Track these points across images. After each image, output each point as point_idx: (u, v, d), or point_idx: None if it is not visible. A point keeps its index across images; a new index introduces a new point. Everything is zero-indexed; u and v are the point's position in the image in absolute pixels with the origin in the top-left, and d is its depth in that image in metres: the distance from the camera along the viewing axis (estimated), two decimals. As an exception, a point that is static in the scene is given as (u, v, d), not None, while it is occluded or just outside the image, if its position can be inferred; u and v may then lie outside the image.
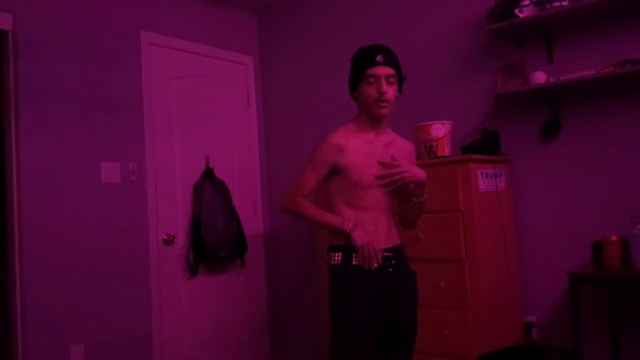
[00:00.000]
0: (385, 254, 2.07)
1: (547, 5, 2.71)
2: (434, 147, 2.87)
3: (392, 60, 2.06)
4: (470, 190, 2.66)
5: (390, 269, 2.09)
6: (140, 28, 3.56)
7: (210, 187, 3.74)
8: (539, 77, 2.79)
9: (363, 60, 2.05)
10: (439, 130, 2.91)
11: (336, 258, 2.10)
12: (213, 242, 3.63)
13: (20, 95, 2.99)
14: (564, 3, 2.67)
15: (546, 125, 2.92)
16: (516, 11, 2.78)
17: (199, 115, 3.86)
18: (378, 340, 2.07)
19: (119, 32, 3.44)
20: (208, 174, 3.80)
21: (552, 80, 2.78)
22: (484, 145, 2.86)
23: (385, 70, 2.02)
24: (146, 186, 3.49)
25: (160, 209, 3.56)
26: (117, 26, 3.44)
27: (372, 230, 2.08)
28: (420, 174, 2.08)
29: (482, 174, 2.75)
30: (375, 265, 2.02)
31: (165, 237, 3.56)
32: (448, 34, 3.30)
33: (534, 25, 2.83)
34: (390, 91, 2.05)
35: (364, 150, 2.09)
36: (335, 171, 2.09)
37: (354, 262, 2.05)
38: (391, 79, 2.05)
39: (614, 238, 2.49)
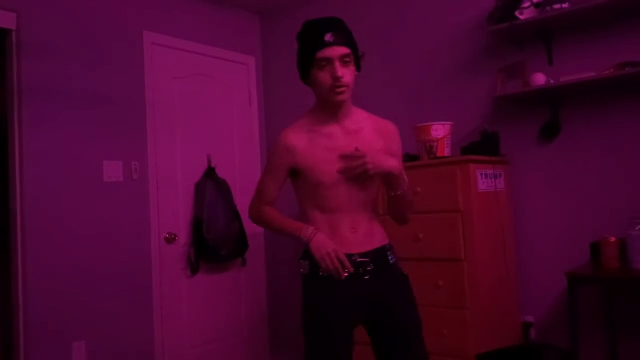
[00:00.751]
0: (360, 259, 1.83)
1: (547, 7, 2.72)
2: (433, 148, 2.88)
3: (344, 37, 1.77)
4: (470, 191, 2.68)
5: (367, 276, 1.84)
6: (143, 28, 3.58)
7: (211, 186, 3.76)
8: (539, 79, 2.80)
9: (311, 42, 1.76)
10: (439, 130, 2.93)
11: (304, 267, 1.87)
12: (214, 240, 3.65)
13: (23, 94, 3.01)
14: (564, 5, 2.68)
15: (545, 126, 2.94)
16: (516, 13, 2.80)
17: (201, 115, 3.88)
18: (384, 348, 1.90)
19: (122, 32, 3.47)
20: (210, 172, 3.82)
21: (551, 81, 2.79)
22: (483, 146, 2.88)
23: (337, 51, 1.74)
24: (148, 185, 3.51)
25: (162, 208, 3.59)
26: (120, 26, 3.46)
27: (347, 234, 1.84)
28: (388, 164, 1.78)
29: (481, 174, 2.77)
30: (345, 274, 1.77)
31: (167, 235, 3.59)
32: (448, 35, 3.31)
33: (534, 27, 2.85)
34: (347, 73, 1.77)
35: (324, 145, 1.83)
36: (295, 173, 1.88)
37: (320, 273, 1.81)
38: (346, 59, 1.77)
39: (612, 239, 2.50)
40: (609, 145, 2.78)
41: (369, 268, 1.85)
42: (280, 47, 4.26)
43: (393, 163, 1.80)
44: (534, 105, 2.97)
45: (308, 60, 1.78)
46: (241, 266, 3.97)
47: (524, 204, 3.02)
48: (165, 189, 3.61)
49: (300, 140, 1.85)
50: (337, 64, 1.75)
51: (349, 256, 1.82)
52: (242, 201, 4.01)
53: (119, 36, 3.45)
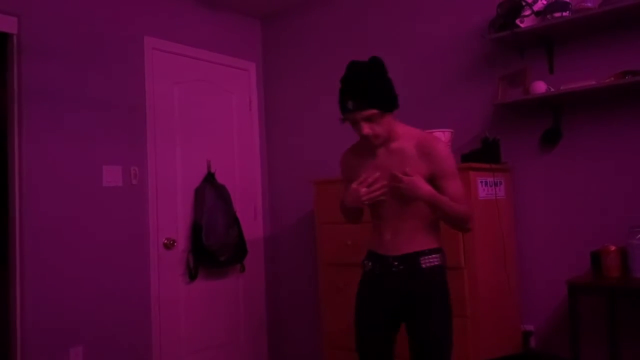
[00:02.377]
0: (394, 261, 2.11)
1: (549, 16, 2.73)
2: (434, 155, 2.87)
3: (365, 102, 1.97)
4: (470, 198, 2.67)
5: (396, 273, 2.10)
6: (144, 33, 3.58)
7: (211, 192, 3.75)
8: (540, 87, 2.80)
9: (340, 102, 2.04)
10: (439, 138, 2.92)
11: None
12: (213, 246, 3.64)
13: (24, 98, 3.01)
14: (565, 14, 2.69)
15: (546, 134, 2.93)
16: (517, 21, 2.80)
17: (201, 120, 3.87)
18: (409, 347, 2.11)
19: (123, 37, 3.47)
20: (209, 178, 3.81)
21: (552, 90, 2.79)
22: (484, 153, 2.87)
23: (359, 115, 1.98)
24: (147, 190, 3.50)
25: (161, 213, 3.57)
26: (121, 31, 3.46)
27: (388, 239, 2.13)
28: (420, 192, 1.98)
29: (481, 182, 2.76)
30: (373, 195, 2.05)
31: (166, 241, 3.57)
32: (449, 43, 3.32)
33: (535, 35, 2.85)
34: (376, 128, 2.01)
35: (370, 163, 2.12)
36: None
37: (364, 269, 2.25)
38: (372, 119, 1.99)
39: (613, 248, 2.50)
40: (609, 154, 2.77)
41: (400, 267, 2.10)
42: (281, 53, 4.26)
43: (423, 191, 1.99)
44: (535, 113, 2.97)
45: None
46: (240, 272, 3.95)
47: (525, 211, 3.02)
48: (165, 195, 3.60)
49: (352, 158, 2.22)
50: (362, 124, 2.00)
51: (386, 258, 2.13)
52: (242, 207, 4.01)
53: (120, 41, 3.45)
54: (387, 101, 2.02)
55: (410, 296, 2.09)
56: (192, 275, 3.67)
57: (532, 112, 2.98)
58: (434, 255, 2.13)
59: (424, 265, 2.10)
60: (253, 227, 4.12)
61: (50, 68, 3.11)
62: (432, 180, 2.04)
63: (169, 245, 3.58)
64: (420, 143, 2.07)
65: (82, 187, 3.19)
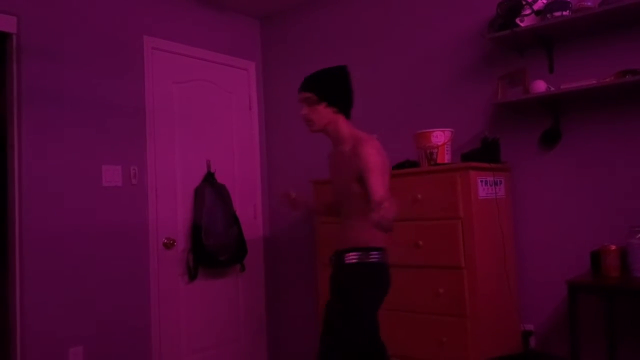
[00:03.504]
0: (333, 256, 2.35)
1: (548, 15, 2.72)
2: (434, 155, 2.88)
3: (306, 84, 2.32)
4: (470, 198, 2.67)
5: (333, 268, 2.35)
6: (144, 33, 3.58)
7: (210, 192, 3.74)
8: (539, 86, 2.80)
9: None
10: (439, 137, 2.92)
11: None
12: (213, 246, 3.64)
13: (23, 98, 3.00)
14: (565, 13, 2.68)
15: (546, 134, 2.93)
16: (517, 20, 2.80)
17: (201, 120, 3.87)
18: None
19: (123, 37, 3.47)
20: (209, 178, 3.81)
21: (552, 89, 2.79)
22: (483, 153, 2.87)
23: (300, 95, 2.35)
24: (147, 190, 3.50)
25: (161, 213, 3.57)
26: (120, 30, 3.46)
27: (340, 234, 2.35)
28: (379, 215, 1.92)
29: (481, 181, 2.76)
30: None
31: (165, 240, 3.57)
32: (449, 43, 3.31)
33: (535, 35, 2.84)
34: (311, 112, 2.32)
35: (331, 162, 2.44)
36: None
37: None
38: (309, 101, 2.31)
39: (613, 247, 2.49)
40: (609, 153, 2.77)
41: (333, 263, 2.34)
42: (280, 52, 4.26)
43: (382, 216, 1.96)
44: (534, 112, 2.97)
45: None
46: (240, 272, 3.95)
47: (525, 211, 3.02)
48: (164, 194, 3.60)
49: (330, 157, 2.46)
50: (302, 105, 2.34)
51: (335, 252, 2.34)
52: (242, 206, 4.01)
53: (120, 41, 3.45)
54: (324, 91, 2.30)
55: (334, 286, 2.31)
56: (191, 275, 3.67)
57: (531, 112, 2.98)
58: (357, 254, 2.26)
59: (346, 262, 2.27)
60: (253, 227, 4.12)
61: (49, 68, 3.11)
62: (360, 178, 2.18)
63: (169, 245, 3.58)
64: (353, 145, 2.26)
65: (81, 186, 3.19)
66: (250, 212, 4.12)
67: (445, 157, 2.92)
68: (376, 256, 2.26)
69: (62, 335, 3.03)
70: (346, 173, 2.27)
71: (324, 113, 2.32)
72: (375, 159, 2.18)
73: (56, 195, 3.08)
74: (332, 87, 2.33)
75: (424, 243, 2.78)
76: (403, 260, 2.87)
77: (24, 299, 2.92)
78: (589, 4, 2.65)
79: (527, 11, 2.80)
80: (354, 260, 2.26)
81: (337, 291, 2.29)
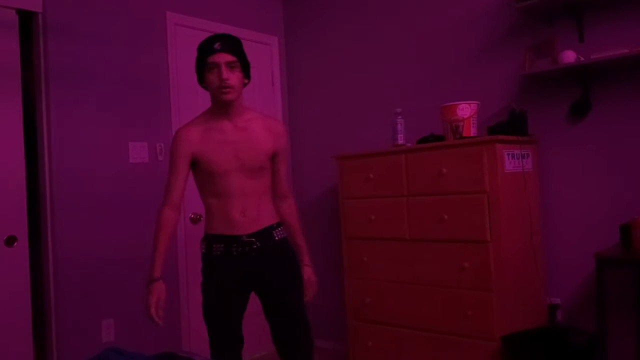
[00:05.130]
0: (248, 239, 2.18)
1: (579, -18, 2.64)
2: (459, 128, 2.84)
3: (231, 47, 2.09)
4: (496, 171, 2.64)
5: (253, 254, 2.20)
6: (167, 9, 3.58)
7: (235, 167, 3.77)
8: (569, 56, 2.73)
9: (203, 50, 2.10)
10: (465, 110, 2.88)
11: (203, 248, 2.29)
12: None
13: (50, 77, 3.05)
14: (596, -21, 2.59)
15: (575, 105, 2.86)
16: (546, -12, 2.72)
17: (225, 96, 3.87)
18: (273, 323, 2.31)
19: (146, 13, 3.47)
20: (233, 154, 3.83)
21: (582, 59, 2.72)
22: (510, 125, 2.82)
23: (224, 58, 2.06)
24: (173, 166, 3.54)
25: (187, 189, 3.61)
26: (143, 7, 3.46)
27: (238, 217, 2.17)
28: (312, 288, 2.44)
29: (508, 154, 2.72)
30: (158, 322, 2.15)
31: (192, 215, 3.62)
32: (475, 13, 3.24)
33: (564, 3, 2.76)
34: (233, 77, 2.08)
35: (217, 138, 2.15)
36: (193, 164, 2.19)
37: (214, 253, 2.23)
38: (232, 65, 2.08)
39: (643, 220, 2.45)
40: (641, 125, 2.70)
41: (254, 247, 2.20)
42: (303, 27, 4.22)
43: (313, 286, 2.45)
44: (563, 83, 2.90)
45: (202, 66, 2.11)
46: (265, 247, 3.99)
47: (552, 184, 2.97)
48: (190, 170, 3.64)
49: (196, 133, 2.15)
50: (224, 67, 2.07)
51: (239, 237, 2.18)
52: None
53: (143, 17, 3.46)
54: (246, 62, 2.17)
55: (265, 272, 2.24)
56: (218, 250, 3.72)
57: (560, 83, 2.91)
58: (281, 229, 2.31)
59: (277, 238, 2.27)
60: (277, 202, 4.14)
61: (74, 46, 3.14)
62: (273, 157, 2.26)
63: (196, 220, 3.63)
64: (267, 123, 2.26)
65: (109, 163, 3.24)
66: (275, 188, 4.14)
67: (471, 130, 2.88)
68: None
69: (94, 308, 3.13)
70: (259, 149, 2.19)
71: (241, 83, 2.16)
72: (288, 145, 2.40)
73: (85, 172, 3.14)
74: (248, 64, 2.21)
75: (449, 217, 2.77)
76: (428, 234, 2.87)
77: (56, 273, 3.01)
78: (622, -31, 2.56)
79: (557, -21, 2.71)
80: (283, 237, 2.32)
81: (281, 269, 2.27)
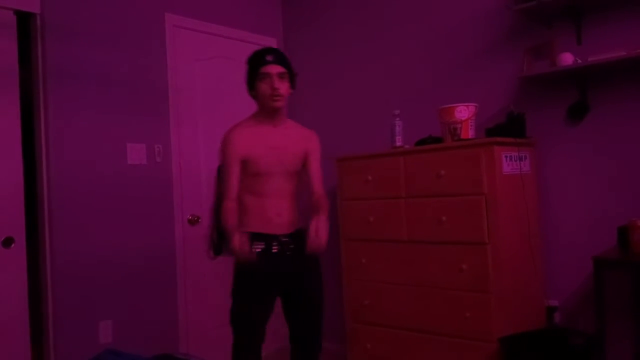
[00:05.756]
0: (284, 239, 2.32)
1: (577, -15, 2.64)
2: (457, 130, 2.85)
3: (282, 60, 2.30)
4: (494, 173, 2.64)
5: (289, 253, 2.32)
6: (165, 10, 3.58)
7: (233, 169, 3.76)
8: (567, 59, 2.74)
9: (256, 61, 2.30)
10: (463, 112, 2.88)
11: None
12: (236, 222, 3.67)
13: (48, 78, 3.04)
14: (594, -18, 2.60)
15: (573, 107, 2.87)
16: (544, -9, 2.72)
17: (223, 97, 3.88)
18: (294, 324, 2.44)
19: (145, 14, 3.47)
20: (232, 155, 3.82)
21: (579, 61, 2.72)
22: (509, 128, 2.82)
23: (276, 69, 2.26)
24: (171, 167, 3.54)
25: (185, 190, 3.62)
26: (142, 8, 3.46)
27: (274, 217, 2.31)
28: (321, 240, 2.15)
29: (506, 157, 2.73)
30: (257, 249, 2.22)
31: (190, 217, 3.62)
32: (474, 15, 3.25)
33: (563, 5, 2.77)
34: (283, 87, 2.28)
35: (263, 142, 2.31)
36: (242, 162, 2.31)
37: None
38: (282, 76, 2.28)
39: (641, 223, 2.45)
40: (638, 127, 2.71)
41: (291, 247, 2.32)
42: (301, 29, 4.22)
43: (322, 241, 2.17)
44: (561, 85, 2.91)
45: (254, 75, 2.30)
46: (263, 248, 3.99)
47: (550, 186, 2.98)
48: (188, 171, 3.64)
49: (246, 136, 2.32)
50: (275, 78, 2.27)
51: (277, 236, 2.30)
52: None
53: (142, 19, 3.45)
54: (293, 73, 2.36)
55: (299, 272, 2.36)
56: (216, 251, 3.71)
57: (558, 85, 2.92)
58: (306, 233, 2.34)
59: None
60: (276, 204, 4.14)
61: (73, 47, 3.13)
62: (305, 159, 2.42)
63: (194, 222, 3.63)
64: (302, 131, 2.47)
65: (107, 164, 3.24)
66: (273, 189, 4.14)
67: (469, 132, 2.89)
68: None
69: (91, 310, 3.12)
70: (298, 154, 2.37)
71: (289, 91, 2.36)
72: (320, 148, 2.52)
73: (83, 173, 3.13)
74: (293, 70, 2.38)
75: (447, 219, 2.77)
76: (426, 236, 2.87)
77: (54, 275, 3.00)
78: (620, -28, 2.57)
79: (555, -19, 2.72)
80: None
81: (311, 271, 2.39)
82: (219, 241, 3.70)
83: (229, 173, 2.30)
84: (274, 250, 2.30)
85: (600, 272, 2.40)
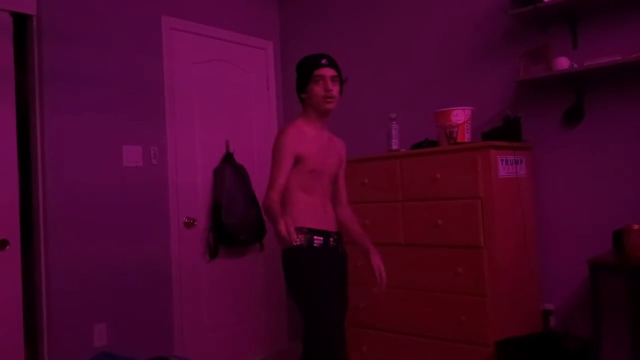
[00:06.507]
0: (335, 236, 2.37)
1: (573, -10, 2.65)
2: (454, 133, 2.85)
3: (335, 64, 2.36)
4: (490, 177, 2.65)
5: (340, 250, 2.40)
6: (162, 12, 3.58)
7: (230, 172, 3.77)
8: (563, 63, 2.74)
9: (310, 64, 2.35)
10: (459, 116, 2.89)
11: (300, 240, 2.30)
12: (233, 225, 3.67)
13: (44, 80, 3.03)
14: (589, -13, 2.61)
15: (569, 111, 2.88)
16: (540, -5, 2.73)
17: (219, 100, 3.88)
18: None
19: (141, 17, 3.47)
20: (228, 158, 3.83)
21: (575, 66, 2.73)
22: (504, 131, 2.83)
23: (329, 72, 2.32)
24: (167, 169, 3.53)
25: (181, 192, 3.61)
26: (139, 10, 3.46)
27: (326, 213, 2.37)
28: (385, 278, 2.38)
29: (502, 160, 2.73)
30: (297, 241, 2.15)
31: (186, 220, 3.61)
32: (470, 19, 3.25)
33: (559, 10, 2.78)
34: (335, 89, 2.33)
35: (316, 141, 2.36)
36: (295, 160, 2.31)
37: (315, 244, 2.29)
38: (334, 79, 2.33)
39: (636, 227, 2.46)
40: (634, 131, 2.71)
41: (338, 244, 2.40)
42: (298, 32, 4.23)
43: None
44: (557, 90, 2.92)
45: (307, 78, 2.34)
46: (259, 251, 3.99)
47: (546, 190, 2.98)
48: (184, 174, 3.63)
49: (302, 135, 2.34)
50: (329, 80, 2.32)
51: (330, 232, 2.35)
52: (261, 187, 4.01)
53: (138, 21, 3.45)
54: (342, 77, 2.40)
55: (344, 271, 2.46)
56: (212, 254, 3.71)
57: (554, 90, 2.93)
58: None
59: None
60: (272, 207, 4.14)
61: (69, 49, 3.13)
62: (339, 164, 2.52)
63: (190, 225, 3.62)
64: (337, 140, 2.54)
65: (103, 167, 3.23)
66: (269, 192, 4.13)
67: (465, 136, 2.89)
68: None
69: (86, 313, 3.10)
70: (336, 158, 2.47)
71: (339, 94, 2.39)
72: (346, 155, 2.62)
73: (79, 175, 3.12)
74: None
75: (443, 222, 2.77)
76: (422, 239, 2.87)
77: (49, 278, 2.99)
78: (616, -23, 2.58)
79: (551, -14, 2.73)
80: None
81: (346, 272, 2.46)
82: (215, 244, 3.71)
83: (279, 166, 2.26)
84: (331, 245, 2.33)
85: (595, 276, 2.40)
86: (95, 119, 3.22)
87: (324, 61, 2.34)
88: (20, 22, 3.06)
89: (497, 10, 3.11)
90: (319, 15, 4.08)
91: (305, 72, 2.36)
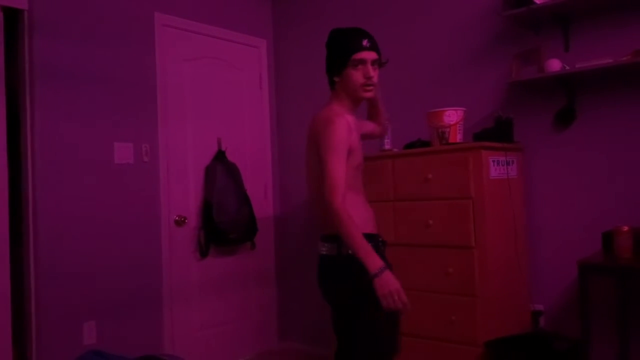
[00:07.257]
0: (382, 239, 2.06)
1: (565, -8, 2.67)
2: (446, 134, 2.86)
3: (375, 45, 2.03)
4: (482, 178, 2.65)
5: (384, 255, 2.02)
6: (155, 9, 3.56)
7: (222, 170, 3.76)
8: (554, 65, 2.76)
9: (349, 44, 1.99)
10: (452, 116, 2.89)
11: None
12: (224, 224, 3.66)
13: (35, 75, 3.01)
14: (582, -11, 2.63)
15: (560, 113, 2.89)
16: (533, -3, 2.74)
17: (212, 98, 3.87)
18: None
19: (133, 13, 3.45)
20: (220, 156, 3.82)
21: (567, 68, 2.75)
22: (496, 132, 2.84)
23: (371, 55, 2.00)
24: (158, 167, 3.52)
25: (172, 190, 3.59)
26: (131, 7, 3.44)
27: (372, 214, 2.08)
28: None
29: (493, 161, 2.74)
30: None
31: (177, 218, 3.60)
32: (463, 20, 3.26)
33: (551, 12, 2.79)
34: (376, 75, 2.03)
35: (358, 132, 2.06)
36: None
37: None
38: (375, 63, 2.03)
39: (625, 228, 2.47)
40: (624, 133, 2.73)
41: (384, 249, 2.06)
42: (292, 30, 4.22)
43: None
44: (549, 91, 2.93)
45: (343, 61, 1.99)
46: (250, 250, 3.98)
47: (537, 191, 3.00)
48: (176, 172, 3.62)
49: (349, 123, 1.99)
50: (370, 66, 2.00)
51: (378, 236, 2.04)
52: (252, 185, 4.02)
53: (131, 18, 3.43)
54: (381, 60, 2.07)
55: None
56: (203, 253, 3.70)
57: (546, 91, 2.94)
58: None
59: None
60: (263, 206, 4.14)
61: (60, 45, 3.11)
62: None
63: (180, 223, 3.61)
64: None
65: (94, 164, 3.21)
66: (261, 192, 4.13)
67: (457, 136, 2.90)
68: None
69: (75, 311, 3.08)
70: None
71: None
72: None
73: (68, 172, 3.10)
74: None
75: (434, 222, 2.78)
76: (413, 239, 2.88)
77: (38, 276, 2.97)
78: (608, -20, 2.59)
79: (544, -12, 2.74)
80: None
81: None
82: (206, 243, 3.70)
83: (339, 163, 1.87)
84: (382, 252, 2.01)
85: (585, 277, 2.41)
86: (87, 115, 3.20)
87: (365, 42, 1.98)
88: (11, 16, 3.03)
89: (490, 11, 3.12)
90: (313, 13, 4.08)
91: (341, 54, 1.99)
